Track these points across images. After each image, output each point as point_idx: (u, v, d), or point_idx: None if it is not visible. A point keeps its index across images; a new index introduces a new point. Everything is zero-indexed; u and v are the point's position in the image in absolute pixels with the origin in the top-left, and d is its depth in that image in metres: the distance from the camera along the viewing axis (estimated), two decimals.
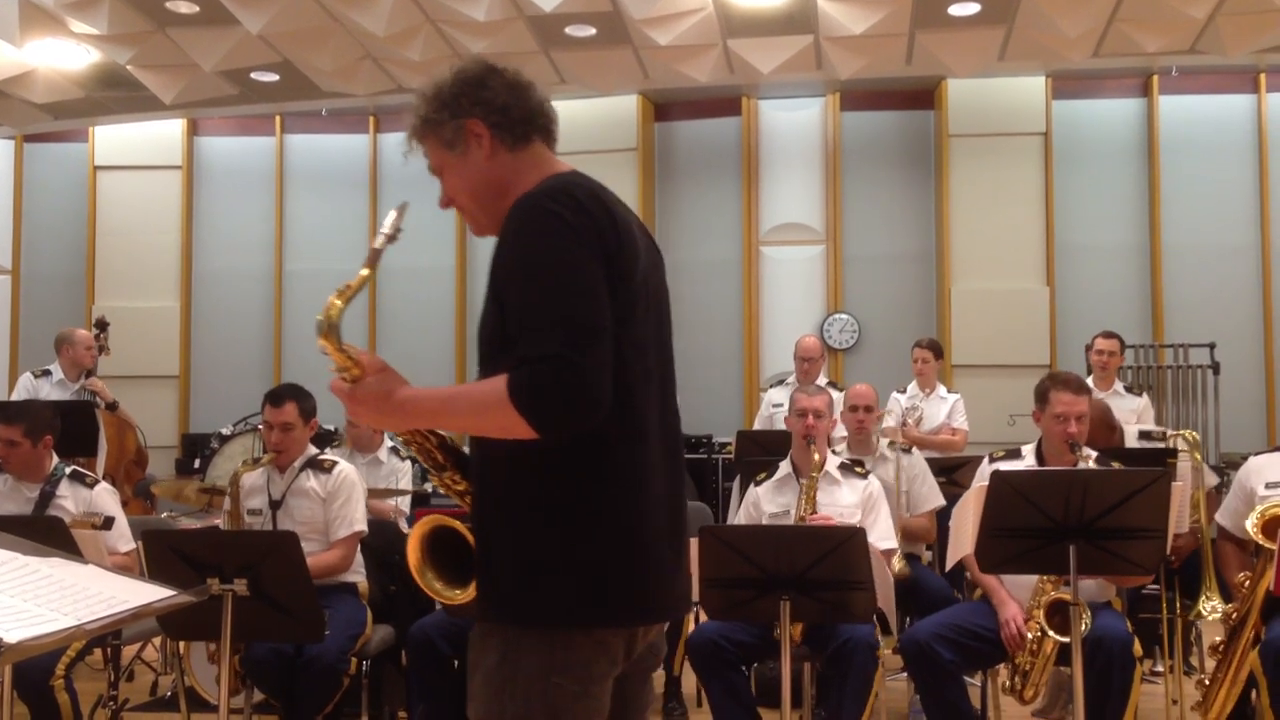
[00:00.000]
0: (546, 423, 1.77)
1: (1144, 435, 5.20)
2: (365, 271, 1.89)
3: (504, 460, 1.89)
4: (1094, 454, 3.94)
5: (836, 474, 4.42)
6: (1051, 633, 3.61)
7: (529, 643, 1.84)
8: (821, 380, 6.75)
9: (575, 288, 1.80)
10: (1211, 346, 8.33)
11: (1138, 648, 3.60)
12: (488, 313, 1.91)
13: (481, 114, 1.99)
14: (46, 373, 6.74)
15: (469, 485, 1.99)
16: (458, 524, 2.00)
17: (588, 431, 1.80)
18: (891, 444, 5.30)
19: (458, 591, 1.97)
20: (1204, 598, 4.11)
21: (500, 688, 1.84)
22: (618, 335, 1.84)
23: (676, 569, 1.97)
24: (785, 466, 4.50)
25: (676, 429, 2.05)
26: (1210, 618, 4.05)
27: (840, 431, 6.02)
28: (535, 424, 1.76)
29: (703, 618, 3.96)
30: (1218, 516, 4.02)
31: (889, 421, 5.98)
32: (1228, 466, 7.14)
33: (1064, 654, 3.63)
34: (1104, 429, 4.89)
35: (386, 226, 1.93)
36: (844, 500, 4.34)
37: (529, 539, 1.86)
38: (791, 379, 6.85)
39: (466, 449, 2.04)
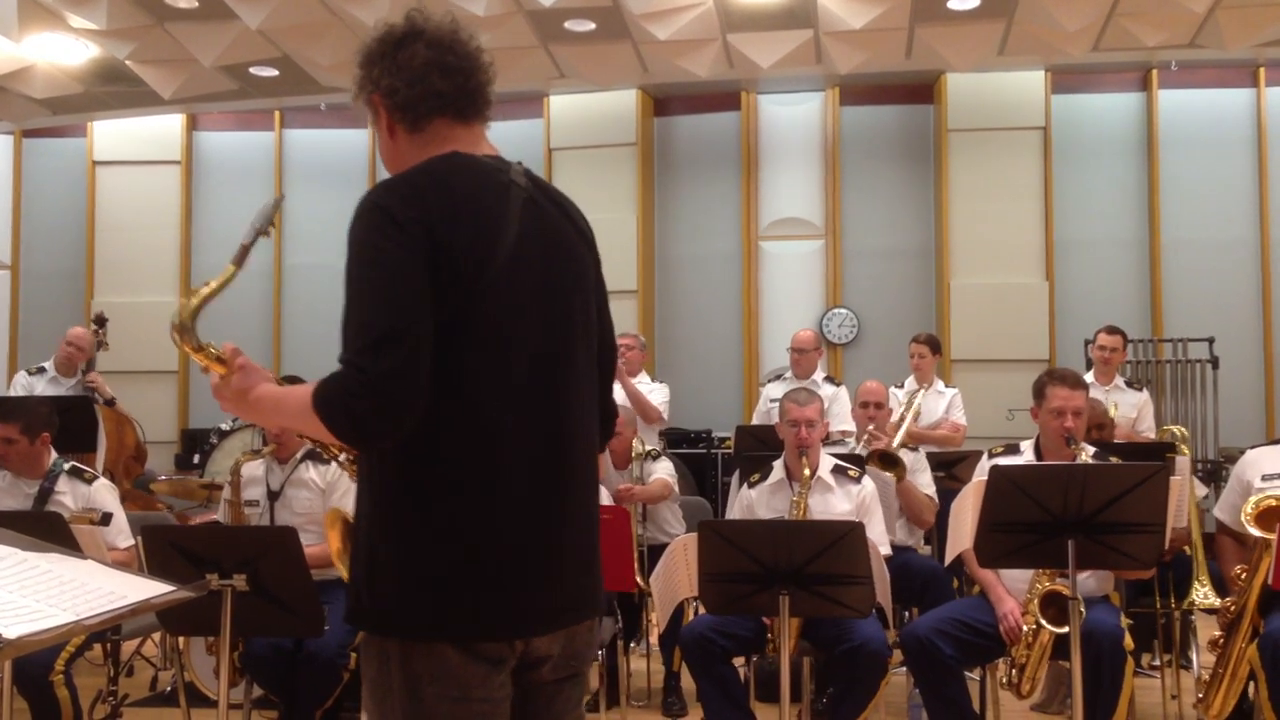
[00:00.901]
0: (341, 432, 1.69)
1: None
2: (230, 269, 1.84)
3: (363, 461, 1.85)
4: (1092, 449, 3.95)
5: (829, 479, 4.37)
6: (1045, 624, 3.62)
7: (395, 653, 1.76)
8: (819, 374, 6.74)
9: (378, 290, 1.70)
10: (1210, 341, 8.32)
11: (1129, 641, 3.60)
12: None
13: (380, 92, 1.92)
14: (41, 370, 6.72)
15: None
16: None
17: (420, 437, 1.70)
18: (904, 445, 5.30)
19: None
20: (1196, 583, 4.12)
21: (382, 698, 1.79)
22: (455, 334, 1.72)
23: (546, 581, 1.82)
24: (779, 470, 4.46)
25: (574, 431, 1.88)
26: (1203, 604, 4.06)
27: (842, 425, 6.02)
28: (334, 433, 1.69)
29: (701, 611, 3.96)
30: (1215, 510, 4.02)
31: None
32: (1226, 461, 7.15)
33: (1059, 647, 3.64)
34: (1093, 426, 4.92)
35: (257, 221, 1.87)
36: (837, 508, 4.30)
37: (376, 545, 1.79)
38: (789, 374, 6.82)
39: None
